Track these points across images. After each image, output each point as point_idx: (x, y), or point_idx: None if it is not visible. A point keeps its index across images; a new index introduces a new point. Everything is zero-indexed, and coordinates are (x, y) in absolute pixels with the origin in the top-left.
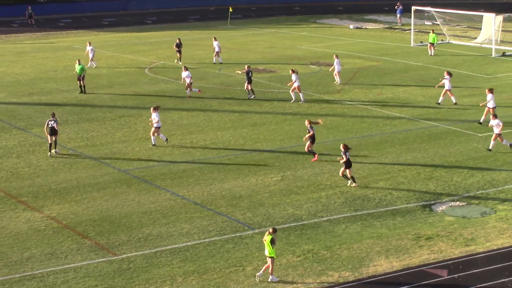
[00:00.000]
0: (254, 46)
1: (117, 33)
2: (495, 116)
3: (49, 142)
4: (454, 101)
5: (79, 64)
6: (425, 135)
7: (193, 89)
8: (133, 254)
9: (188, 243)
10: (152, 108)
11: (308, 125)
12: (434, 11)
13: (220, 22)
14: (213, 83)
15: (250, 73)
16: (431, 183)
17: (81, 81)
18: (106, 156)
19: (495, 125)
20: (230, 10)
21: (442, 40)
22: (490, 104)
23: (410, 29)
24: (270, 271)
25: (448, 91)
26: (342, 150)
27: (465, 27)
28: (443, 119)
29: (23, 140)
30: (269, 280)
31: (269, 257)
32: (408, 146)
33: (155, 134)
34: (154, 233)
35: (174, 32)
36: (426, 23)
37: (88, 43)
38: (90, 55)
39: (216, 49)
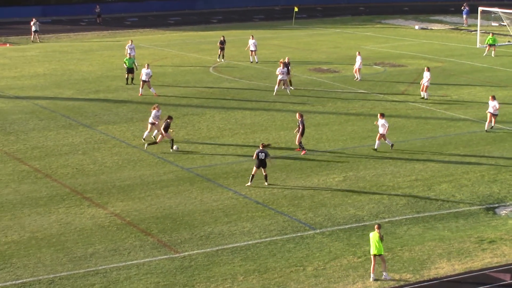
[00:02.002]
0: (319, 46)
1: (183, 32)
2: None
3: (171, 138)
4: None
5: (130, 58)
6: (490, 138)
7: (151, 89)
8: (194, 252)
9: (249, 242)
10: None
11: (299, 119)
12: (501, 12)
13: (285, 22)
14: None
15: (289, 65)
16: (495, 186)
17: (130, 74)
18: (169, 154)
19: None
20: (295, 9)
21: (509, 41)
22: None
23: (476, 30)
24: (383, 267)
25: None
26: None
27: None
28: (508, 122)
29: (88, 137)
30: (383, 277)
31: (379, 255)
32: (472, 148)
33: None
34: (216, 231)
35: (239, 31)
36: (493, 24)
37: (130, 41)
38: (131, 54)
39: (252, 48)
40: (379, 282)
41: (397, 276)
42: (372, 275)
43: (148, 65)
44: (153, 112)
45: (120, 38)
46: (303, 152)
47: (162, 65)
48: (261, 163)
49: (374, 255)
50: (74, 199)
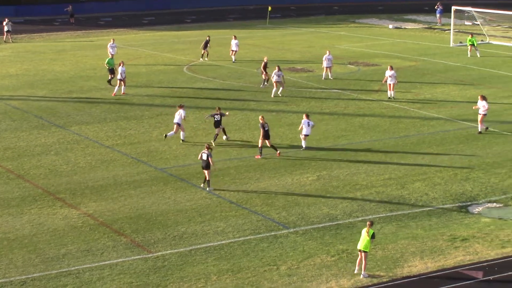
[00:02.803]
0: (293, 45)
1: (157, 32)
2: None
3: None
4: (390, 95)
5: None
6: (462, 136)
7: (122, 88)
8: (168, 252)
9: (223, 242)
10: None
11: (262, 121)
12: (475, 11)
13: (259, 21)
14: (251, 82)
15: (267, 64)
16: (468, 184)
17: (111, 74)
18: (143, 154)
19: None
20: (269, 9)
21: (482, 40)
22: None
23: (450, 29)
24: (363, 266)
25: (390, 84)
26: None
27: (506, 28)
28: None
29: (61, 137)
30: (361, 276)
31: (364, 251)
32: (446, 147)
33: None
34: (189, 231)
35: (213, 31)
36: (466, 23)
37: (112, 40)
38: (112, 53)
39: (234, 48)
40: (352, 281)
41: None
42: (357, 267)
43: (122, 62)
44: (180, 111)
45: (93, 38)
46: (277, 154)
47: (136, 64)
48: (204, 164)
49: (359, 250)
50: (47, 199)
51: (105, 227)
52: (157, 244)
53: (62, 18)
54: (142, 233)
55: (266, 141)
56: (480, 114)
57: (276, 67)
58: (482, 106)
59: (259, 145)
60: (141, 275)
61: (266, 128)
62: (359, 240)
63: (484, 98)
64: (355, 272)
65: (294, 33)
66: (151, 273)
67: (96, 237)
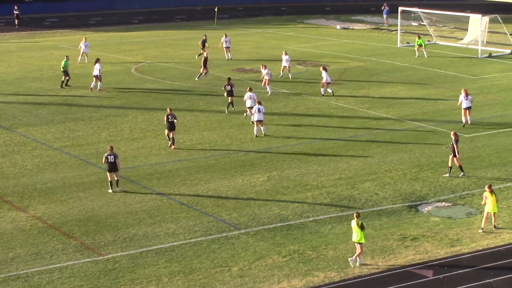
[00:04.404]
0: (241, 46)
1: (104, 33)
2: None
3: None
4: (330, 91)
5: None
6: (411, 136)
7: (98, 84)
8: (118, 254)
9: (174, 243)
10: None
11: (168, 112)
12: (421, 12)
13: (206, 22)
14: (200, 83)
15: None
16: (417, 183)
17: (65, 76)
18: (92, 156)
19: None
20: (216, 9)
21: (428, 41)
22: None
23: (397, 30)
24: (358, 254)
25: (325, 84)
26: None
27: (452, 28)
28: (429, 120)
29: (8, 139)
30: (357, 264)
31: (359, 242)
32: (395, 146)
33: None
34: (140, 233)
35: (161, 32)
36: (413, 24)
37: (84, 38)
38: (85, 51)
39: (225, 45)
40: (304, 281)
41: (321, 275)
42: (359, 260)
43: (98, 59)
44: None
45: (39, 39)
46: (172, 147)
47: (82, 66)
48: (112, 167)
49: (356, 243)
50: None
51: (54, 230)
52: (107, 246)
53: (6, 18)
54: (92, 235)
55: (171, 132)
56: (463, 108)
57: (263, 66)
58: (466, 100)
59: (167, 137)
60: (91, 278)
61: (170, 120)
62: (310, 241)
63: (466, 92)
64: (351, 259)
65: (242, 34)
66: (101, 276)
67: (45, 240)
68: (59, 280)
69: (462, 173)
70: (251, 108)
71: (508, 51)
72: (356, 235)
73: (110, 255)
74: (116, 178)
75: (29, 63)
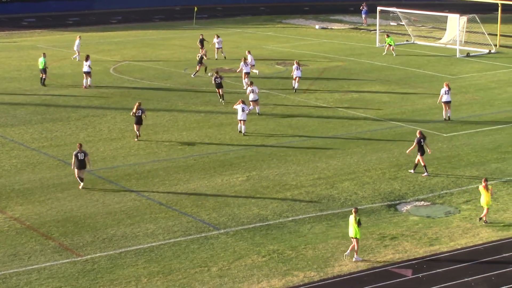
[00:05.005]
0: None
1: (82, 33)
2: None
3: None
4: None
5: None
6: (390, 135)
7: (88, 80)
8: (97, 255)
9: (153, 244)
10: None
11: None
12: (399, 11)
13: (185, 22)
14: (179, 83)
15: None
16: (396, 183)
17: (44, 74)
18: (70, 157)
19: None
20: (195, 9)
21: (407, 40)
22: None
23: (376, 30)
24: (356, 251)
25: (297, 78)
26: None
27: (430, 28)
28: (407, 120)
29: None
30: (354, 260)
31: (355, 238)
32: (374, 146)
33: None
34: (118, 233)
35: (139, 32)
36: (392, 23)
37: (78, 37)
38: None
39: (217, 46)
40: (283, 281)
41: (301, 275)
42: (356, 256)
43: (88, 56)
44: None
45: (17, 39)
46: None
47: (61, 66)
48: (81, 164)
49: (352, 238)
50: None
51: (32, 231)
52: (86, 247)
53: None
54: (71, 236)
55: (139, 126)
56: (443, 102)
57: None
58: (447, 95)
59: (135, 130)
60: (70, 279)
61: (138, 114)
62: (289, 241)
63: (448, 86)
64: (346, 254)
65: (221, 34)
66: (80, 277)
67: (23, 241)
68: (37, 281)
69: (426, 173)
70: (255, 101)
71: (486, 50)
72: (353, 230)
73: (89, 256)
74: (82, 176)
75: (6, 63)
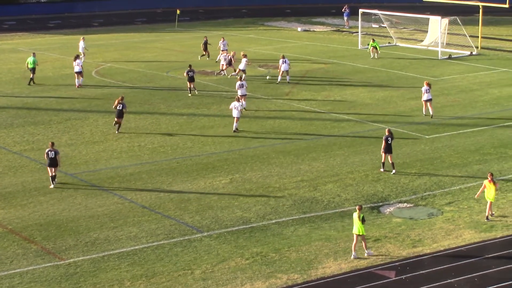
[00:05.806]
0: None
1: (63, 35)
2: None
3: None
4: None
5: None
6: (372, 137)
7: (80, 80)
8: (80, 258)
9: (136, 247)
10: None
11: (120, 101)
12: (381, 13)
13: (167, 25)
14: (161, 86)
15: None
16: (379, 185)
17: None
18: None
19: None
20: (178, 12)
21: (389, 42)
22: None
23: (358, 32)
24: (364, 246)
25: (284, 72)
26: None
27: (412, 30)
28: (390, 121)
29: None
30: (366, 255)
31: (360, 234)
32: (356, 148)
33: None
34: (101, 237)
35: (121, 35)
36: (373, 26)
37: (82, 38)
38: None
39: (222, 48)
40: (267, 283)
41: (284, 277)
42: (353, 253)
43: (77, 56)
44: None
45: None
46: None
47: (42, 69)
48: (52, 162)
49: (356, 235)
50: None
51: (14, 235)
52: (68, 250)
53: None
54: (53, 240)
55: (120, 119)
56: (424, 101)
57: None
58: (428, 93)
59: (117, 124)
60: (52, 283)
61: (119, 108)
62: (272, 243)
63: (429, 85)
64: (352, 257)
65: (203, 36)
66: (63, 280)
67: (5, 245)
68: (19, 285)
69: (394, 171)
70: (243, 96)
71: (468, 52)
72: (357, 227)
73: (72, 260)
74: (54, 174)
75: None
